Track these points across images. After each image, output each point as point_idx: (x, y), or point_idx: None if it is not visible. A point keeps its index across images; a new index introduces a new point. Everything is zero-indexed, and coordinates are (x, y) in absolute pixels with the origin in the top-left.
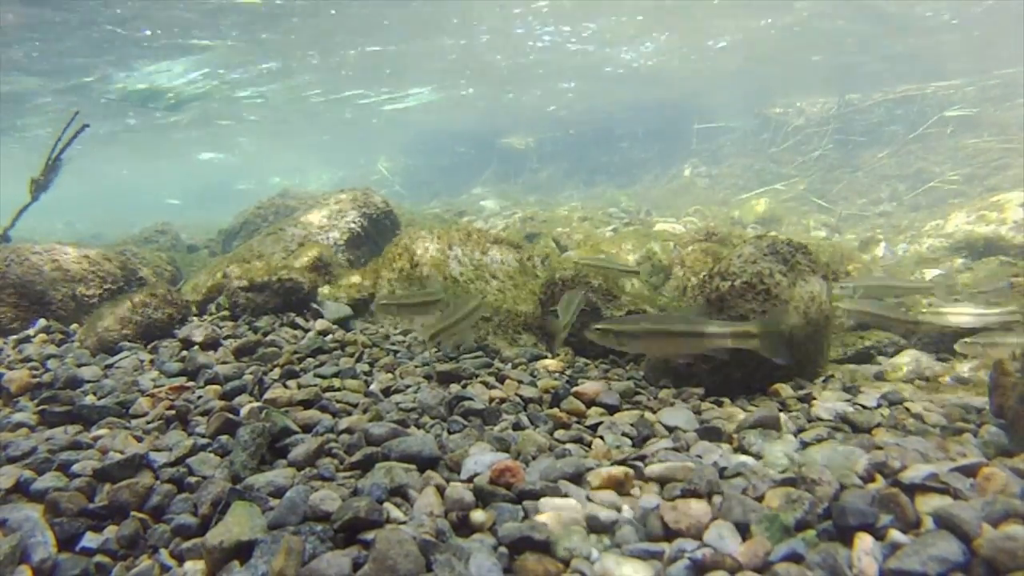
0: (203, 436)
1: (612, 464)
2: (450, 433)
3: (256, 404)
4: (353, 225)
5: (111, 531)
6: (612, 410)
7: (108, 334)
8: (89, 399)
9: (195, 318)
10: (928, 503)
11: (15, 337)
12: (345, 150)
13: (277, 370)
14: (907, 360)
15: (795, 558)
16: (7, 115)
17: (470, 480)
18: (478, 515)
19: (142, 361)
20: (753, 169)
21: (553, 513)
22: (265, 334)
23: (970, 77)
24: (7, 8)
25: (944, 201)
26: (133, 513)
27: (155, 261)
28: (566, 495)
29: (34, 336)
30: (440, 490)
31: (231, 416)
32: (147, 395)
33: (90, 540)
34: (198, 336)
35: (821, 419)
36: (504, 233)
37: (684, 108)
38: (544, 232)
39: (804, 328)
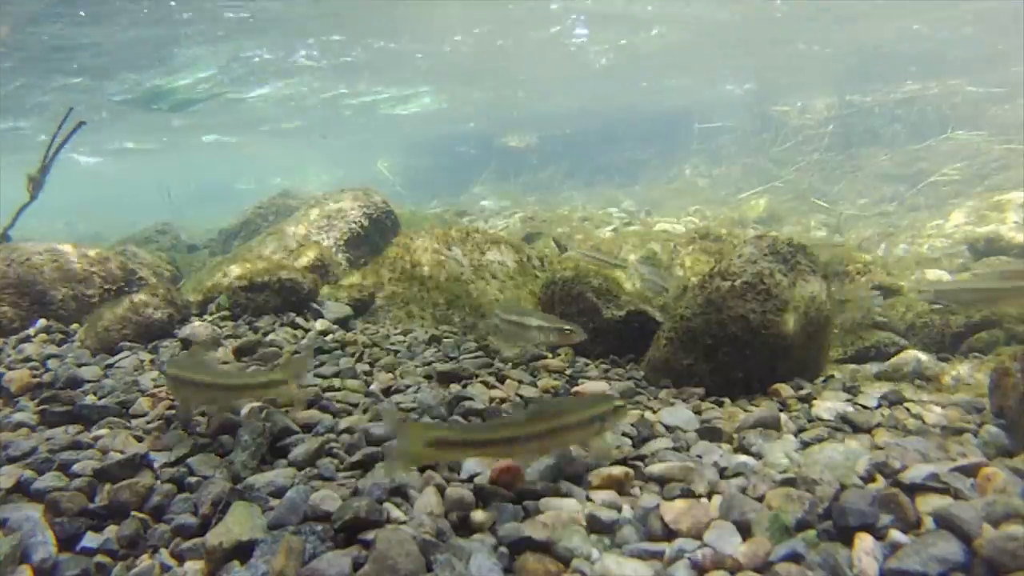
0: (203, 436)
1: (612, 464)
2: None
3: (256, 404)
4: (353, 225)
5: (111, 531)
6: None
7: (108, 334)
8: (89, 399)
9: (195, 318)
10: (928, 503)
11: (15, 337)
12: (345, 150)
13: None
14: (907, 360)
15: (795, 558)
16: (7, 115)
17: (470, 480)
18: (478, 515)
19: (142, 361)
20: (754, 169)
21: (553, 513)
22: (265, 334)
23: (970, 76)
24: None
25: (945, 201)
26: (133, 513)
27: (155, 261)
28: (566, 495)
29: (34, 336)
30: (440, 490)
31: (231, 416)
32: (147, 395)
33: (90, 540)
34: (199, 336)
35: (821, 419)
36: (504, 233)
37: (685, 108)
38: (545, 232)
39: (804, 328)
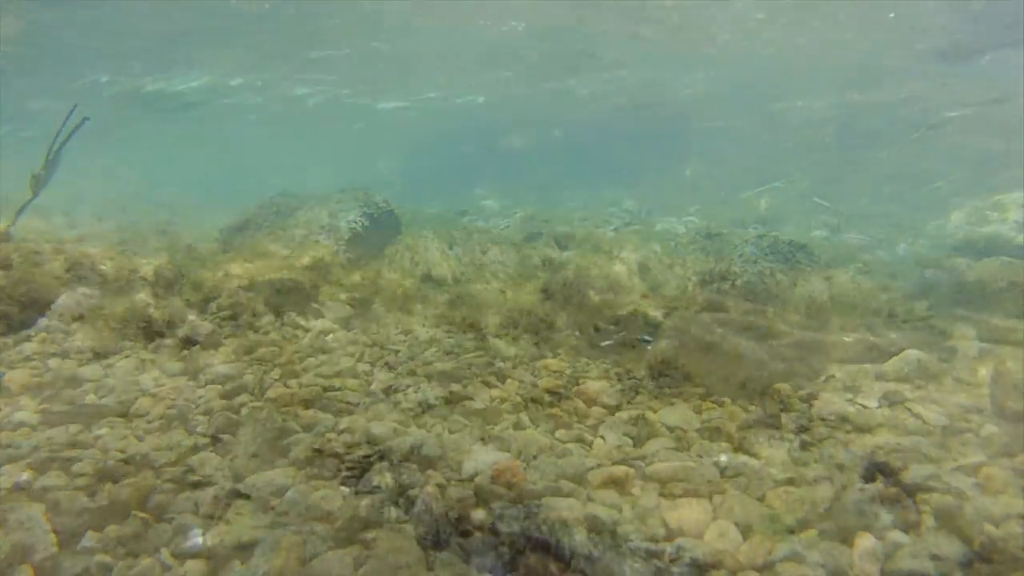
0: (204, 435)
1: (613, 464)
2: (451, 433)
3: (257, 403)
4: (354, 224)
5: (112, 530)
6: (613, 410)
7: (109, 333)
8: (90, 398)
9: (196, 317)
10: (929, 503)
11: (17, 336)
12: (346, 150)
13: (278, 369)
14: (908, 360)
15: (796, 558)
16: (4, 115)
17: (471, 480)
18: (479, 514)
19: (143, 361)
20: (754, 169)
21: (554, 512)
22: (266, 333)
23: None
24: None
25: (945, 201)
26: (134, 512)
27: (156, 260)
28: (568, 495)
29: (35, 335)
30: (441, 489)
31: (232, 415)
32: (148, 394)
33: (91, 539)
34: (199, 335)
35: (822, 419)
36: (505, 233)
37: (685, 107)
38: (545, 232)
39: (804, 328)
